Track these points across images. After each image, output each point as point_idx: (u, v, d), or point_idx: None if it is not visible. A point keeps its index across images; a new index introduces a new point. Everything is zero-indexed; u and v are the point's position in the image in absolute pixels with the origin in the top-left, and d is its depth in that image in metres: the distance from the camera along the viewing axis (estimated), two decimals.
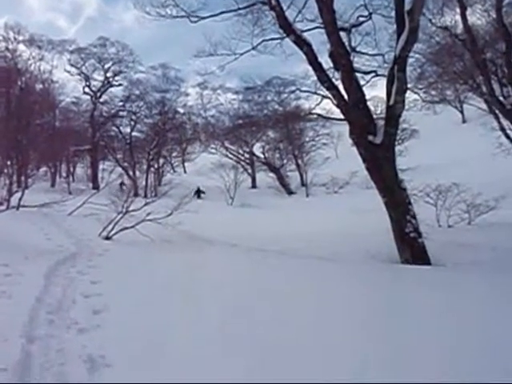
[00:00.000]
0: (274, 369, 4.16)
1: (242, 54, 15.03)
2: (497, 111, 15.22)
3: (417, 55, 19.49)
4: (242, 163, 40.85)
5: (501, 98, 14.90)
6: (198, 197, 31.98)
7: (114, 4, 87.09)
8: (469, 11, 16.59)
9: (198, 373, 4.13)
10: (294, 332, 5.11)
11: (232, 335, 4.98)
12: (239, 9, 13.75)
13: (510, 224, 14.60)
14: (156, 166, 39.50)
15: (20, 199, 15.75)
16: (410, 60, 14.77)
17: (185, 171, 50.21)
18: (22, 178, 23.03)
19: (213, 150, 43.92)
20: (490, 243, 12.24)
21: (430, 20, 17.95)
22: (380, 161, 10.83)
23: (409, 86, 13.23)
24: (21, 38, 37.25)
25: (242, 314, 5.72)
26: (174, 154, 46.57)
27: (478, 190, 16.60)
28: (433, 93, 27.63)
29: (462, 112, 45.60)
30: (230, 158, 41.02)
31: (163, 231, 12.72)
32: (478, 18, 19.36)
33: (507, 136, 14.87)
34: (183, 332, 5.05)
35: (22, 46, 37.86)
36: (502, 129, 15.20)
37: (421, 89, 23.69)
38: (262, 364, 4.26)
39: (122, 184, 34.71)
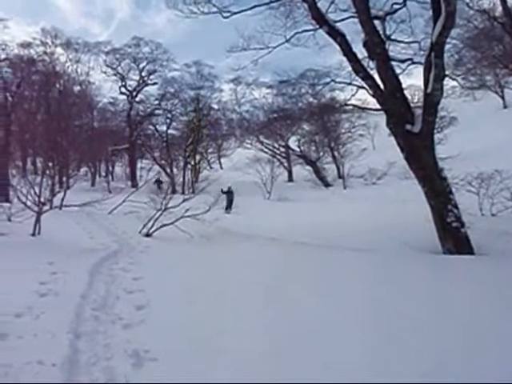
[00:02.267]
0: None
1: (275, 48, 15.02)
2: None
3: (454, 41, 18.98)
4: (278, 157, 40.71)
5: None
6: (228, 207, 22.92)
7: (145, 7, 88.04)
8: None
9: (240, 367, 4.15)
10: (328, 319, 5.08)
11: (274, 331, 4.98)
12: (271, 2, 13.71)
13: None
14: (193, 162, 39.80)
15: (62, 199, 16.14)
16: (447, 46, 14.39)
17: (221, 167, 50.48)
18: (64, 179, 23.55)
19: (248, 145, 43.89)
20: None
21: (467, 3, 17.46)
22: (419, 150, 10.63)
23: (447, 72, 12.91)
24: (58, 41, 38.15)
25: (283, 306, 5.72)
26: (210, 150, 46.83)
27: None
28: (472, 79, 26.93)
29: (502, 97, 44.24)
30: (266, 153, 40.92)
31: (201, 227, 12.83)
32: None
33: None
34: (224, 326, 5.08)
35: (59, 50, 38.78)
36: None
37: (459, 75, 23.08)
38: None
39: (158, 182, 33.83)
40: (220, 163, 51.72)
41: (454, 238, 10.29)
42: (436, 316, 5.31)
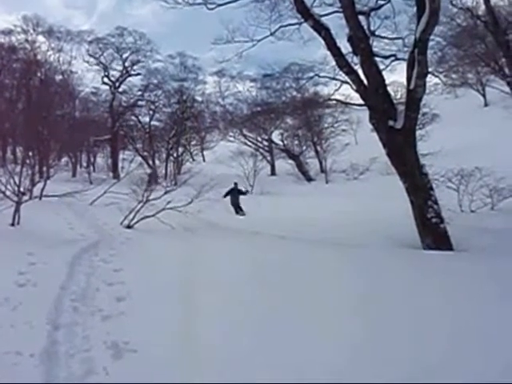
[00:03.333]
0: None
1: (259, 41, 14.97)
2: None
3: (437, 38, 19.19)
4: (261, 151, 40.70)
5: None
6: (237, 212, 19.56)
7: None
8: None
9: (221, 359, 4.16)
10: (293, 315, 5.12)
11: (255, 323, 5.01)
12: None
13: None
14: (175, 154, 39.63)
15: (42, 189, 15.95)
16: (431, 43, 14.52)
17: (204, 160, 50.30)
18: (44, 169, 23.27)
19: (231, 138, 43.82)
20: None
21: (451, 1, 17.62)
22: (401, 146, 10.70)
23: (429, 69, 13.01)
24: (40, 29, 37.59)
25: (266, 301, 5.74)
26: (193, 143, 46.59)
27: (501, 175, 16.32)
28: (454, 76, 27.26)
29: (483, 95, 44.74)
30: (249, 146, 40.90)
31: (184, 219, 12.80)
32: None
33: None
34: (205, 319, 5.08)
35: (41, 38, 38.22)
36: None
37: (442, 72, 23.35)
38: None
39: (150, 176, 29.47)
40: (203, 156, 51.54)
41: (433, 233, 10.39)
42: (415, 312, 5.37)
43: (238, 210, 19.59)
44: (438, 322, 5.05)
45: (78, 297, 5.64)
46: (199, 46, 69.38)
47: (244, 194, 21.14)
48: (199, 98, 42.49)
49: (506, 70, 15.88)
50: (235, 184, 21.49)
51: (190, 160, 43.90)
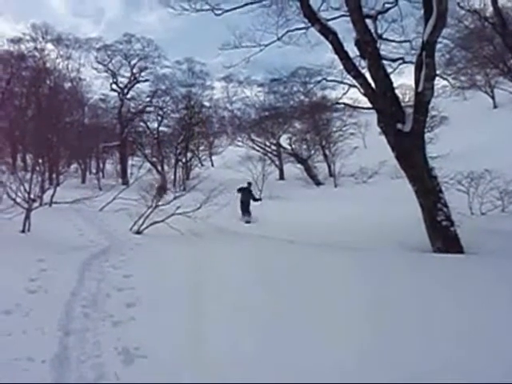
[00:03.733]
0: None
1: (266, 46, 15.03)
2: None
3: (445, 40, 19.13)
4: (269, 155, 40.66)
5: None
6: (243, 214, 18.63)
7: (137, 7, 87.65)
8: None
9: (229, 364, 4.16)
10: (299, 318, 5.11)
11: (270, 331, 5.00)
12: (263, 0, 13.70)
13: None
14: (184, 160, 39.68)
15: (52, 196, 16.03)
16: (439, 46, 14.50)
17: (212, 165, 50.31)
18: (54, 175, 23.43)
19: (239, 143, 43.84)
20: None
21: (459, 3, 17.55)
22: (409, 149, 10.67)
23: (437, 72, 12.97)
24: (48, 37, 37.84)
25: (277, 306, 5.74)
26: (202, 148, 46.63)
27: (511, 176, 16.23)
28: (462, 78, 27.14)
29: (492, 97, 44.48)
30: (257, 151, 40.87)
31: (193, 225, 12.81)
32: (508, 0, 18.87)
33: None
34: (215, 325, 5.08)
35: (49, 46, 38.48)
36: None
37: (450, 75, 23.25)
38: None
39: (160, 188, 23.04)
40: (211, 161, 51.56)
41: (443, 236, 10.34)
42: (424, 316, 5.34)
43: (245, 213, 18.40)
44: (447, 326, 5.02)
45: (88, 303, 5.67)
46: (207, 52, 69.52)
47: (256, 200, 19.81)
48: (207, 104, 42.57)
49: None
50: (249, 184, 20.50)
51: (199, 165, 43.95)
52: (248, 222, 17.70)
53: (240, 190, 19.57)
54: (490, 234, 11.78)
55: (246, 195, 19.21)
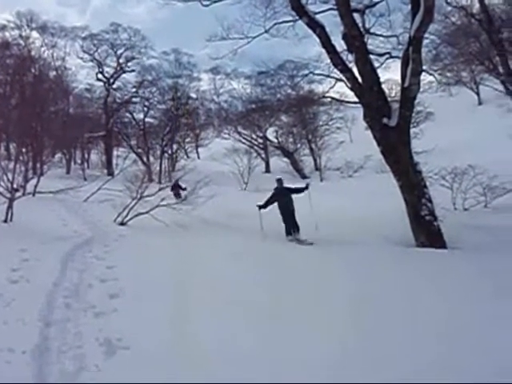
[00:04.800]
0: None
1: (254, 38, 14.98)
2: None
3: (432, 36, 19.17)
4: (256, 148, 40.64)
5: None
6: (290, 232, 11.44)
7: None
8: None
9: (212, 356, 4.16)
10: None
11: (244, 320, 5.01)
12: None
13: None
14: (170, 151, 39.50)
15: (36, 186, 15.88)
16: (425, 41, 14.56)
17: (198, 157, 50.16)
18: (38, 165, 23.16)
19: (226, 136, 43.76)
20: (506, 226, 12.11)
21: (446, 0, 17.62)
22: (395, 144, 10.72)
23: (424, 67, 13.04)
24: (33, 25, 37.36)
25: (260, 299, 5.74)
26: (188, 140, 46.43)
27: (495, 173, 16.37)
28: (448, 74, 27.21)
29: (477, 94, 44.86)
30: (244, 143, 40.82)
31: (177, 216, 12.78)
32: None
33: None
34: (197, 316, 5.08)
35: (34, 34, 37.98)
36: None
37: (436, 70, 23.32)
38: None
39: (176, 188, 21.03)
40: (197, 153, 51.41)
41: (427, 231, 10.42)
42: (409, 310, 5.39)
43: (293, 229, 11.69)
44: (430, 320, 5.06)
45: (70, 293, 5.63)
46: (194, 44, 69.42)
47: (302, 190, 12.55)
48: (194, 95, 42.34)
49: (500, 69, 15.89)
50: (279, 181, 12.62)
51: (185, 157, 43.78)
52: (303, 241, 11.07)
53: (270, 201, 12.14)
54: (472, 230, 11.88)
55: (284, 197, 12.14)
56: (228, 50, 16.15)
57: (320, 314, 5.23)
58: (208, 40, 16.52)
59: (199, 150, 51.31)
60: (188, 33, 67.34)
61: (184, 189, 19.76)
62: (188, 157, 45.49)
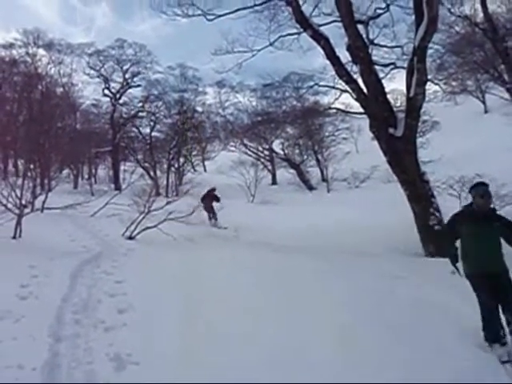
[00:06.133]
0: None
1: (259, 51, 15.07)
2: None
3: (436, 46, 19.21)
4: (262, 160, 40.70)
5: None
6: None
7: (128, 17, 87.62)
8: None
9: (223, 370, 4.14)
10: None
11: (262, 339, 4.99)
12: (255, 5, 13.74)
13: None
14: (176, 165, 39.56)
15: (44, 202, 15.94)
16: (430, 51, 14.62)
17: (205, 170, 50.29)
18: (46, 181, 23.26)
19: (232, 148, 43.86)
20: None
21: (449, 9, 17.69)
22: (401, 153, 10.73)
23: (429, 77, 13.07)
24: (40, 42, 37.68)
25: (252, 313, 5.72)
26: (194, 153, 46.52)
27: (503, 181, 16.29)
28: (453, 83, 27.27)
29: (483, 102, 44.80)
30: (250, 156, 40.89)
31: (186, 230, 12.77)
32: (498, 5, 19.04)
33: None
34: (208, 331, 5.05)
35: (41, 51, 38.31)
36: None
37: (441, 80, 23.36)
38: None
39: (209, 198, 17.62)
40: (204, 166, 51.55)
41: (435, 240, 10.38)
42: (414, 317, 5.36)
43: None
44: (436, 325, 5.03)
45: (79, 309, 5.62)
46: (199, 58, 69.69)
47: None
48: (200, 109, 42.51)
49: (506, 77, 15.90)
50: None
51: (192, 170, 43.89)
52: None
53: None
54: None
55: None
56: (233, 64, 16.26)
57: (324, 323, 5.21)
58: (213, 54, 16.61)
59: (206, 163, 51.44)
60: (193, 47, 67.92)
61: (219, 199, 17.54)
62: (195, 170, 45.59)
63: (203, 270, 8.04)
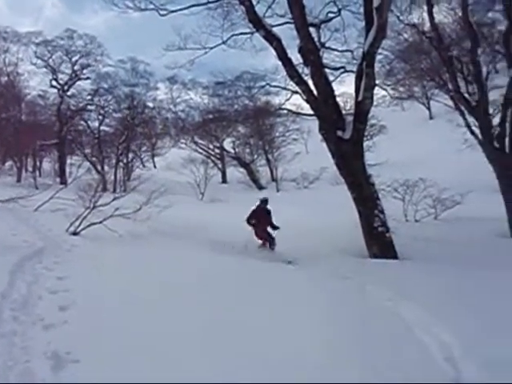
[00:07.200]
0: None
1: (211, 48, 14.98)
2: (462, 108, 15.48)
3: (385, 52, 19.73)
4: (212, 158, 40.71)
5: (466, 95, 15.15)
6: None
7: (79, 10, 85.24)
8: (435, 9, 16.75)
9: (167, 369, 4.11)
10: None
11: (206, 335, 4.99)
12: (209, 2, 13.67)
13: (474, 218, 14.95)
14: (125, 160, 38.98)
15: None
16: (379, 57, 15.02)
17: (155, 166, 49.81)
18: None
19: (183, 145, 43.65)
20: (453, 238, 12.55)
21: (398, 17, 18.10)
22: (349, 156, 10.94)
23: (377, 82, 13.41)
24: None
25: (212, 309, 5.73)
26: (144, 149, 46.05)
27: (445, 185, 16.92)
28: (401, 89, 28.00)
29: (429, 108, 46.39)
30: (200, 153, 40.82)
31: (132, 226, 12.60)
32: (444, 16, 19.65)
33: (472, 132, 15.16)
34: (151, 328, 5.01)
35: None
36: (468, 125, 15.46)
37: (389, 85, 23.96)
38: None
39: (262, 219, 12.44)
40: (154, 162, 51.04)
41: (379, 242, 10.66)
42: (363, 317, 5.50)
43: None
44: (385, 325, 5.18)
45: (18, 305, 5.45)
46: (151, 52, 68.71)
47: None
48: (150, 104, 42.07)
49: (450, 85, 16.45)
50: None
51: (141, 166, 43.34)
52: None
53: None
54: (422, 241, 12.25)
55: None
56: (185, 60, 16.11)
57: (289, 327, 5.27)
58: (165, 49, 16.39)
59: (155, 159, 50.95)
60: (145, 41, 67.12)
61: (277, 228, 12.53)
62: (144, 166, 45.08)
63: (149, 268, 7.95)
